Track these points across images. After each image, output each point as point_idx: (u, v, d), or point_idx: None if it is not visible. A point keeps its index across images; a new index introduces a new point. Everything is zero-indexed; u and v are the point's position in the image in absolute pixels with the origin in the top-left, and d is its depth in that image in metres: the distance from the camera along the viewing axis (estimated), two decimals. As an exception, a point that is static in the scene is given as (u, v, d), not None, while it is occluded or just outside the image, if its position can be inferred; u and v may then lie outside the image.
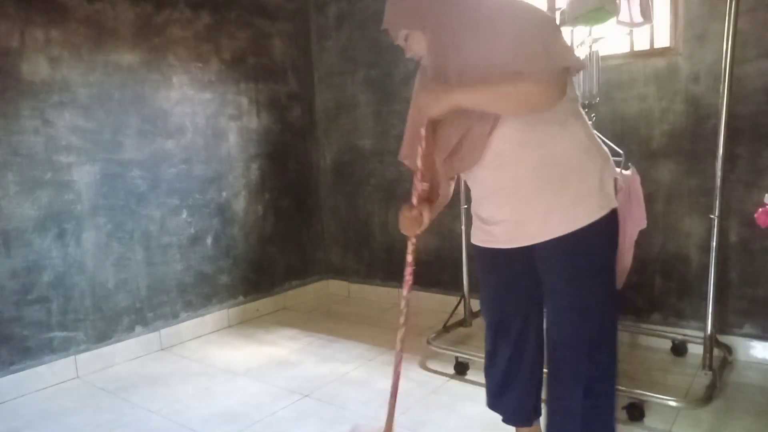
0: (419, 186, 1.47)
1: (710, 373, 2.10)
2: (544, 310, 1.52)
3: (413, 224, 1.55)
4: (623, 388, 2.00)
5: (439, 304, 3.25)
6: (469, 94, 1.25)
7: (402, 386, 2.30)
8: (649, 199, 2.53)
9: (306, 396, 2.26)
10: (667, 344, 2.51)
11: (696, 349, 2.37)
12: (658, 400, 1.95)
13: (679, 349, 2.47)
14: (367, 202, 3.58)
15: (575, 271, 1.37)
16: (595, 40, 2.26)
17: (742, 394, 2.12)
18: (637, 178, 2.29)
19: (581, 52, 2.30)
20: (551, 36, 1.22)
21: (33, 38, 2.37)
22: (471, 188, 1.49)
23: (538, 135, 1.29)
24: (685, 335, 2.47)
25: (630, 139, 2.56)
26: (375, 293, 3.60)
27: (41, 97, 2.40)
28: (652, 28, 2.48)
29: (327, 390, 2.31)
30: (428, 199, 1.55)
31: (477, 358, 2.42)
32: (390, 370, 2.48)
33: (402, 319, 1.65)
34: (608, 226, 1.36)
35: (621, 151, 2.25)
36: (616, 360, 1.44)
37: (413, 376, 2.41)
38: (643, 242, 2.55)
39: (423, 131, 1.36)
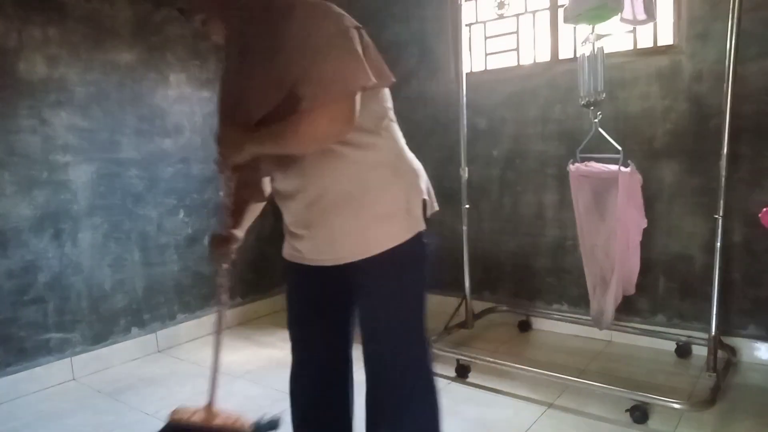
0: (227, 220, 1.40)
1: (714, 374, 2.07)
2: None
3: (222, 256, 1.42)
4: (627, 390, 1.99)
5: (440, 305, 3.21)
6: (256, 142, 1.16)
7: (402, 388, 2.28)
8: (652, 199, 2.52)
9: (305, 398, 2.24)
10: (671, 346, 2.48)
11: (700, 351, 2.35)
12: (662, 403, 1.92)
13: (682, 351, 2.45)
14: (367, 202, 3.54)
15: (377, 300, 1.26)
16: (599, 37, 2.24)
17: (747, 396, 2.09)
18: (637, 177, 2.29)
19: (585, 49, 2.28)
20: (341, 52, 1.08)
21: (30, 37, 2.35)
22: (275, 197, 1.39)
23: (342, 149, 1.17)
24: (689, 337, 2.45)
25: (632, 138, 2.53)
26: (375, 294, 3.57)
27: (38, 96, 2.37)
28: (655, 25, 2.46)
29: (326, 392, 2.28)
30: (242, 206, 1.44)
31: (479, 360, 2.39)
32: (390, 372, 2.46)
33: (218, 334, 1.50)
34: (414, 250, 1.24)
35: (620, 149, 2.23)
36: (434, 411, 1.33)
37: (414, 377, 2.39)
38: (646, 243, 2.54)
39: (228, 173, 1.31)
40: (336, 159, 1.17)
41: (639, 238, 2.34)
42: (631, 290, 2.37)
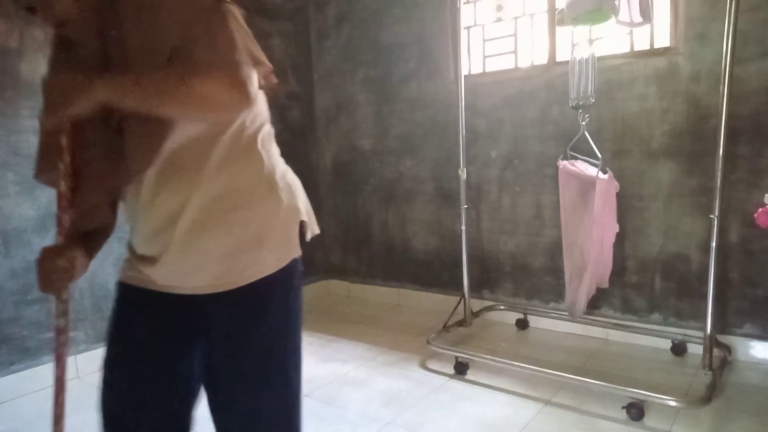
0: (65, 218, 1.02)
1: (710, 373, 2.10)
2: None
3: (61, 276, 1.00)
4: (623, 388, 2.01)
5: (439, 304, 3.25)
6: (117, 87, 0.86)
7: (402, 386, 2.31)
8: (649, 199, 2.55)
9: (306, 396, 2.26)
10: (667, 344, 2.51)
11: (696, 349, 2.37)
12: (658, 400, 1.95)
13: (678, 349, 2.47)
14: (367, 202, 3.58)
15: (238, 341, 1.03)
16: (592, 41, 2.27)
17: (742, 394, 2.11)
18: (614, 184, 2.39)
19: (578, 53, 2.30)
20: (236, 23, 0.94)
21: (32, 38, 2.37)
22: (125, 209, 1.07)
23: (216, 157, 0.98)
24: (685, 335, 2.47)
25: (630, 139, 2.56)
26: (375, 293, 3.60)
27: (40, 97, 2.39)
28: (652, 27, 2.48)
29: (327, 390, 2.31)
30: (76, 233, 1.05)
31: (477, 358, 2.42)
32: (391, 371, 2.49)
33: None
34: (289, 279, 1.06)
35: (599, 156, 2.30)
36: None
37: (413, 375, 2.41)
38: (643, 242, 2.57)
39: (63, 140, 0.98)
40: (208, 169, 0.97)
41: (612, 240, 2.50)
42: (605, 284, 2.52)
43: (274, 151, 1.13)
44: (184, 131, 0.94)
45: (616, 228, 2.46)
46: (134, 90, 0.87)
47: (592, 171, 2.35)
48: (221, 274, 1.00)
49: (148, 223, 1.01)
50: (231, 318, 1.03)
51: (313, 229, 1.15)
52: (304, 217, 1.11)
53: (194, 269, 1.00)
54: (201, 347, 1.09)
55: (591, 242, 2.31)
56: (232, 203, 0.99)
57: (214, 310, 1.03)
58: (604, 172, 2.34)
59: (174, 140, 0.94)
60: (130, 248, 1.08)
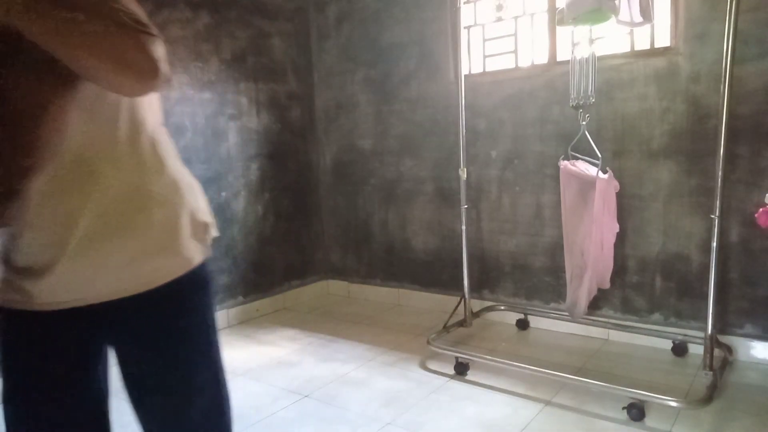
0: None
1: (711, 373, 2.10)
2: None
3: None
4: (624, 388, 2.01)
5: (439, 304, 3.25)
6: (32, 13, 0.70)
7: (402, 386, 2.31)
8: (649, 199, 2.55)
9: (306, 396, 2.26)
10: (668, 344, 2.50)
11: (696, 350, 2.37)
12: (659, 401, 1.94)
13: (679, 349, 2.47)
14: (367, 202, 3.57)
15: (156, 348, 0.96)
16: (592, 41, 2.27)
17: (743, 394, 2.11)
18: (614, 184, 2.38)
19: (579, 52, 2.30)
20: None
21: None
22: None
23: (120, 152, 0.89)
24: (685, 335, 2.47)
25: (630, 139, 2.56)
26: (375, 293, 3.60)
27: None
28: (652, 27, 2.48)
29: (327, 390, 2.31)
30: None
31: (477, 358, 2.42)
32: (391, 371, 2.49)
33: None
34: (200, 282, 1.00)
35: (599, 155, 2.30)
36: None
37: (413, 376, 2.41)
38: (643, 242, 2.57)
39: None
40: (110, 165, 0.88)
41: (613, 240, 2.48)
42: (606, 285, 2.50)
43: (169, 142, 1.04)
44: (83, 118, 0.84)
45: (616, 228, 2.46)
46: (45, 11, 0.70)
47: (592, 171, 2.35)
48: (127, 278, 0.91)
49: (35, 230, 0.87)
50: (141, 325, 0.95)
51: (214, 232, 1.07)
52: (209, 218, 1.04)
53: (93, 278, 0.89)
54: (105, 361, 1.01)
55: (591, 242, 2.31)
56: (138, 204, 0.91)
57: (119, 319, 0.94)
58: (604, 172, 2.34)
59: (74, 128, 0.83)
60: (7, 262, 0.92)
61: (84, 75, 0.78)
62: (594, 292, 2.47)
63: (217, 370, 1.04)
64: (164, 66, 0.79)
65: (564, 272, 2.78)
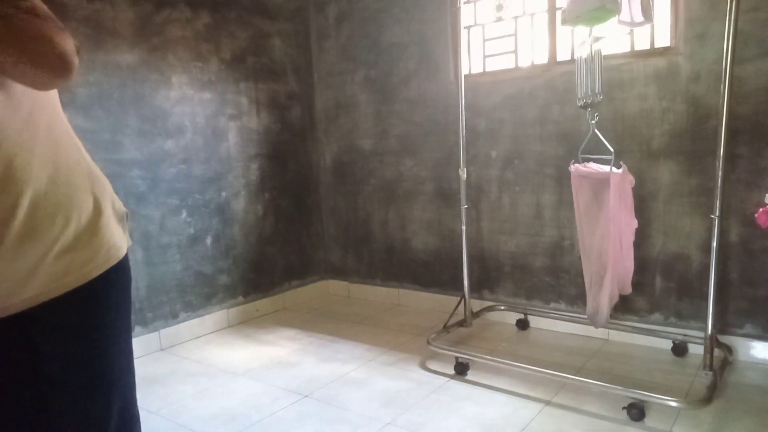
0: None
1: (711, 373, 2.10)
2: None
3: None
4: (624, 388, 2.01)
5: (439, 304, 3.25)
6: None
7: (402, 386, 2.31)
8: (649, 199, 2.55)
9: (306, 396, 2.26)
10: (668, 344, 2.50)
11: (696, 350, 2.37)
12: (659, 401, 1.94)
13: (679, 349, 2.47)
14: (367, 202, 3.58)
15: (73, 351, 0.88)
16: (597, 39, 2.26)
17: (743, 394, 2.11)
18: (629, 178, 2.33)
19: (584, 51, 2.30)
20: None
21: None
22: None
23: (51, 134, 0.86)
24: (685, 335, 2.47)
25: (630, 138, 2.56)
26: (375, 293, 3.60)
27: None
28: (652, 27, 2.48)
29: (327, 390, 2.31)
30: None
31: (477, 358, 2.42)
32: (391, 371, 2.49)
33: None
34: (120, 279, 0.94)
35: (612, 150, 2.26)
36: None
37: (413, 376, 2.41)
38: (643, 242, 2.56)
39: None
40: (38, 157, 0.83)
41: (632, 238, 2.36)
42: (628, 290, 2.39)
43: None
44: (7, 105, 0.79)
45: (635, 223, 2.35)
46: None
47: (604, 169, 2.29)
48: (49, 280, 0.83)
49: None
50: (60, 328, 0.86)
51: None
52: (124, 209, 0.99)
53: (20, 283, 0.81)
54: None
55: (609, 241, 2.22)
56: (62, 198, 0.85)
57: (34, 325, 0.84)
58: (618, 167, 2.27)
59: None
60: None
61: None
62: (616, 299, 2.33)
63: (125, 368, 0.98)
64: (75, 58, 0.76)
65: (564, 272, 2.79)
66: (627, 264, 2.37)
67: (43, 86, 0.80)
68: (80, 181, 0.89)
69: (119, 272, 0.93)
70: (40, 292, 0.83)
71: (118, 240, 0.94)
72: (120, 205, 0.98)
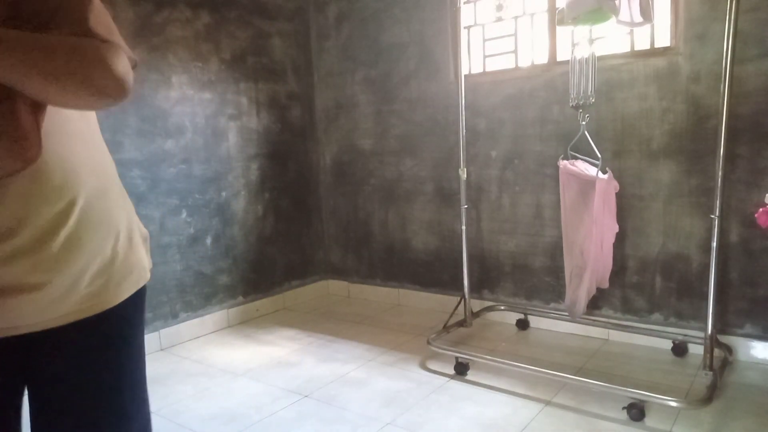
0: None
1: (711, 373, 2.10)
2: None
3: None
4: (624, 388, 2.01)
5: (439, 304, 3.25)
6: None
7: (402, 386, 2.31)
8: (649, 199, 2.55)
9: (306, 396, 2.26)
10: (668, 344, 2.51)
11: (696, 350, 2.37)
12: (659, 401, 1.94)
13: (679, 349, 2.47)
14: (367, 202, 3.58)
15: (89, 378, 0.84)
16: (592, 41, 2.27)
17: (743, 394, 2.11)
18: (614, 184, 2.38)
19: (579, 52, 2.30)
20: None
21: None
22: None
23: (95, 145, 0.84)
24: (685, 335, 2.47)
25: (630, 139, 2.56)
26: (375, 293, 3.60)
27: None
28: (652, 27, 2.48)
29: (327, 390, 2.31)
30: None
31: (477, 358, 2.42)
32: (391, 371, 2.49)
33: None
34: (137, 311, 0.91)
35: (599, 156, 2.30)
36: None
37: (413, 376, 2.41)
38: (643, 242, 2.57)
39: None
40: (88, 166, 0.82)
41: (612, 240, 2.49)
42: (605, 284, 2.51)
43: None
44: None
45: (616, 228, 2.46)
46: (7, 45, 0.61)
47: (592, 171, 2.35)
48: (85, 299, 0.80)
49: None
50: (84, 350, 0.82)
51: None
52: (146, 231, 0.94)
53: (58, 299, 0.78)
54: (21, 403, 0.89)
55: (591, 242, 2.31)
56: (104, 210, 0.83)
57: (47, 349, 0.81)
58: (604, 172, 2.34)
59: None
60: None
61: (44, 99, 0.70)
62: (593, 292, 2.47)
63: (144, 396, 0.93)
64: (130, 80, 0.74)
65: (564, 272, 2.79)
66: (606, 262, 2.47)
67: (98, 108, 0.78)
68: (116, 196, 0.87)
69: (144, 295, 0.92)
70: (76, 309, 0.80)
71: (146, 261, 0.92)
72: (143, 227, 0.95)
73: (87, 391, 0.84)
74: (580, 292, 2.38)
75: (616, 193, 2.44)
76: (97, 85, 0.69)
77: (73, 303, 0.79)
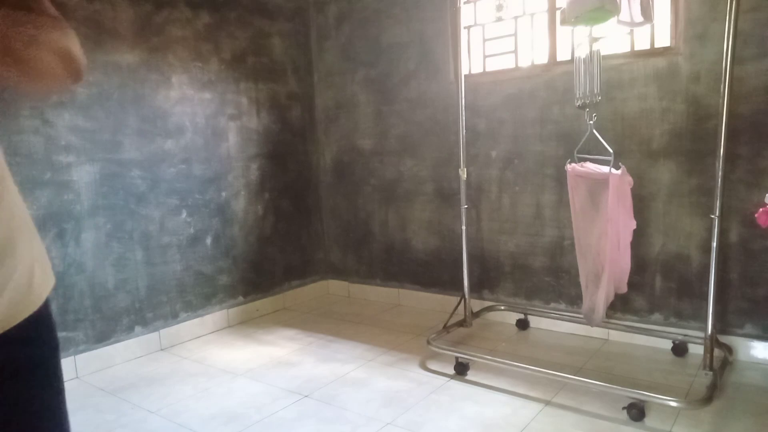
0: None
1: (711, 373, 2.10)
2: None
3: None
4: (624, 388, 2.01)
5: (439, 304, 3.25)
6: None
7: (402, 386, 2.31)
8: (649, 199, 2.54)
9: (306, 396, 2.26)
10: (668, 344, 2.50)
11: (696, 350, 2.37)
12: (659, 401, 1.94)
13: (679, 349, 2.47)
14: (367, 202, 3.57)
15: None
16: (596, 40, 2.26)
17: (743, 394, 2.11)
18: (627, 179, 2.33)
19: (583, 51, 2.30)
20: None
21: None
22: None
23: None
24: (685, 335, 2.47)
25: (630, 139, 2.56)
26: (375, 293, 3.60)
27: (40, 97, 2.39)
28: (652, 27, 2.48)
29: (327, 390, 2.31)
30: None
31: (477, 358, 2.42)
32: (391, 371, 2.49)
33: None
34: (49, 329, 0.81)
35: (611, 151, 2.26)
36: None
37: (413, 376, 2.41)
38: (643, 242, 2.56)
39: None
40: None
41: (630, 238, 2.37)
42: (624, 289, 2.39)
43: None
44: None
45: (633, 224, 2.36)
46: None
47: (602, 170, 2.29)
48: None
49: None
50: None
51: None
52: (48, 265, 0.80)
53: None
54: None
55: (607, 241, 2.22)
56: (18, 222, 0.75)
57: None
58: (617, 168, 2.27)
59: None
60: None
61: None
62: (611, 297, 2.34)
63: None
64: (85, 60, 0.72)
65: (564, 272, 2.79)
66: (623, 264, 2.38)
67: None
68: (16, 224, 0.76)
69: (38, 324, 0.79)
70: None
71: (24, 303, 0.74)
72: (42, 248, 0.81)
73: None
74: (597, 297, 2.29)
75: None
76: (63, 72, 0.68)
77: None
